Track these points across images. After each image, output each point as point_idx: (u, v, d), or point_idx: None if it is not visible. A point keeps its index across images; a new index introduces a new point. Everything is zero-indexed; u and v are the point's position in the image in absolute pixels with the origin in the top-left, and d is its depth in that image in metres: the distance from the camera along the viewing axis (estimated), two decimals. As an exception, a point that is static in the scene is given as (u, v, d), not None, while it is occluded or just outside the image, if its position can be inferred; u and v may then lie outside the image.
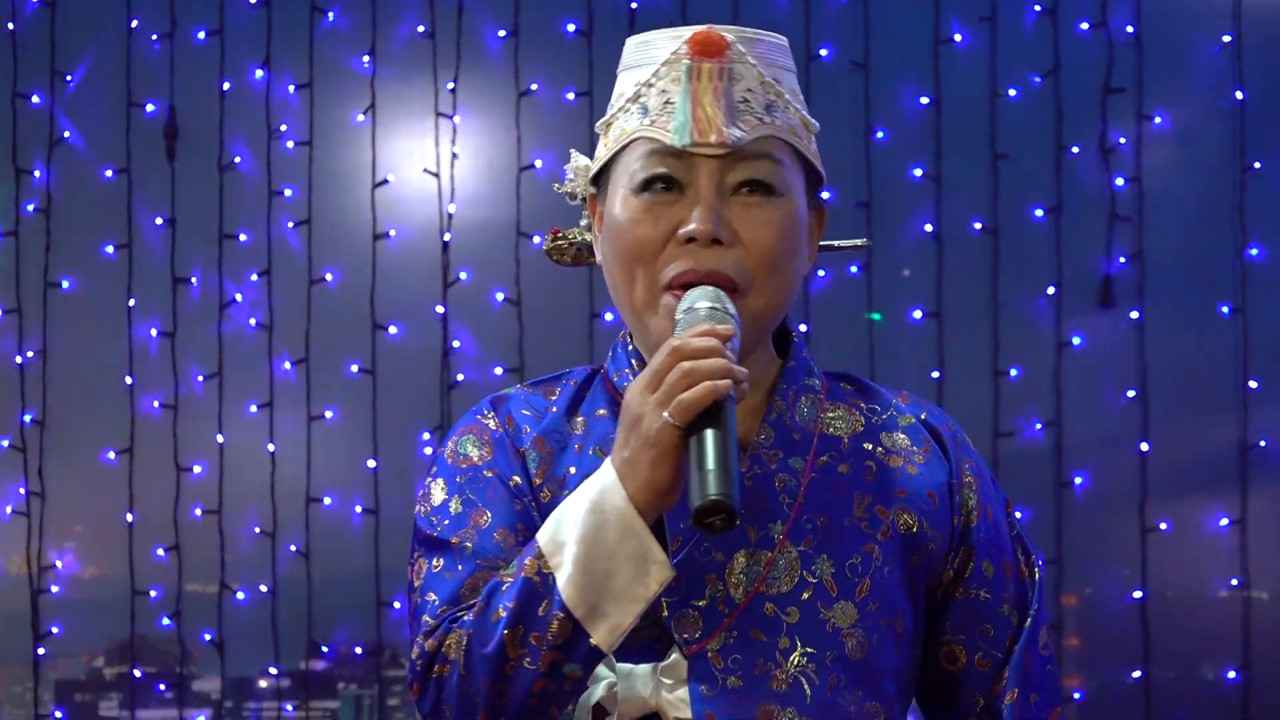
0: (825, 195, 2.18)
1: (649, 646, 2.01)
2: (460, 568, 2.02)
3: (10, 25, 6.28)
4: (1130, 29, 6.06)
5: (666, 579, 1.92)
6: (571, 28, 6.20)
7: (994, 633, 2.14)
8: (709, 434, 1.88)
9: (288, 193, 6.24)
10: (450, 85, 6.20)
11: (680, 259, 2.03)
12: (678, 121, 2.03)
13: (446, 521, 2.07)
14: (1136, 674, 5.94)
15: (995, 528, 2.17)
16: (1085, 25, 6.07)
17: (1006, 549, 2.17)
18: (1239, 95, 6.03)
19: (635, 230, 2.05)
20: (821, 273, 6.00)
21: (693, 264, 2.03)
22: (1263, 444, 5.97)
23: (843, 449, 2.10)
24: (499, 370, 6.11)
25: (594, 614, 1.92)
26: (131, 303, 6.24)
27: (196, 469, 6.21)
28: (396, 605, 6.12)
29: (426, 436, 6.15)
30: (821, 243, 2.21)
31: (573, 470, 2.10)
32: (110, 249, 6.26)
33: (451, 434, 2.16)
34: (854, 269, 6.00)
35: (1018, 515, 2.24)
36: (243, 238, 6.24)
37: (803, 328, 5.92)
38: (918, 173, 6.06)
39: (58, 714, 6.27)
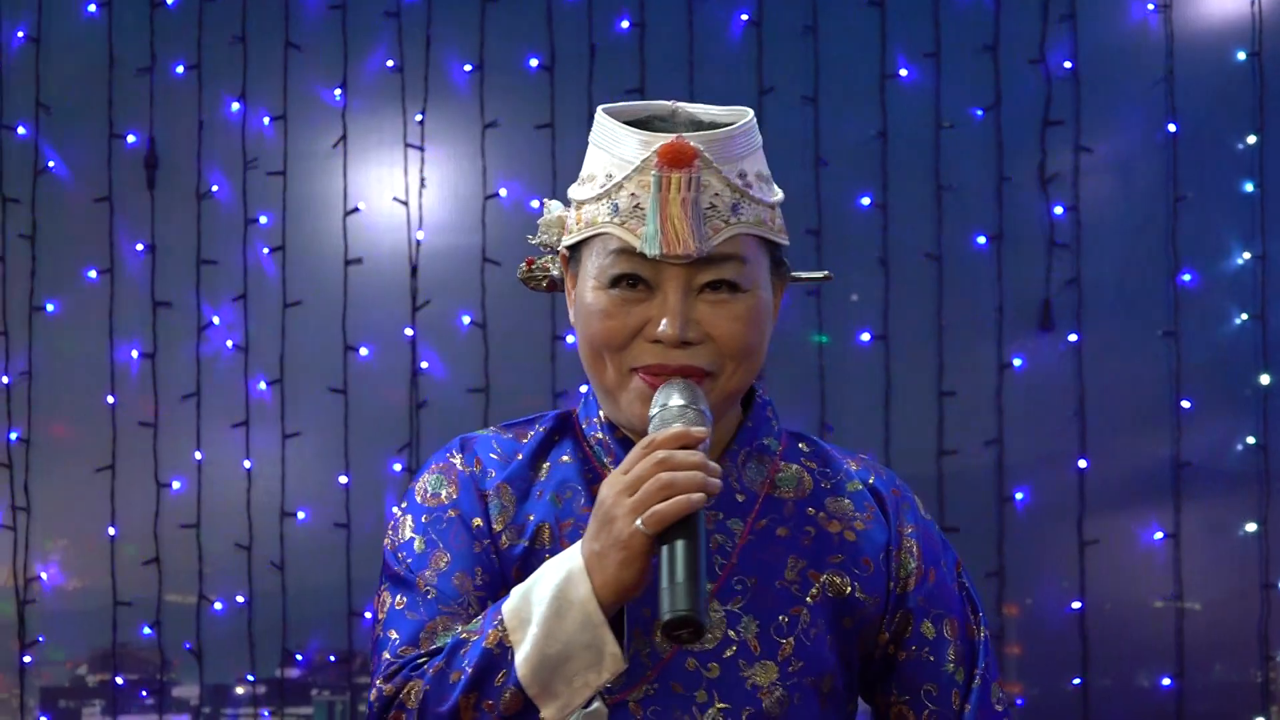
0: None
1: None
2: (421, 610, 2.09)
3: (-4, 60, 6.36)
4: (1068, 65, 6.21)
5: (619, 670, 1.99)
6: (534, 62, 6.33)
7: (938, 692, 2.19)
8: (680, 545, 1.93)
9: (263, 220, 6.35)
10: (418, 117, 6.34)
11: (650, 353, 2.10)
12: (648, 231, 2.08)
13: (410, 560, 2.14)
14: (1076, 681, 6.07)
15: (939, 587, 2.21)
16: (1025, 61, 6.23)
17: (954, 607, 2.21)
18: (1171, 128, 6.19)
19: (605, 322, 2.11)
20: (774, 297, 6.18)
21: (663, 360, 2.09)
22: (1194, 461, 6.12)
23: (785, 513, 2.16)
24: (465, 390, 6.25)
25: (546, 692, 1.99)
26: (113, 325, 6.33)
27: (176, 485, 6.30)
28: (367, 615, 6.19)
29: (396, 453, 6.28)
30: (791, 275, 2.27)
31: (531, 518, 2.17)
32: (93, 274, 6.35)
33: (423, 470, 2.23)
34: (808, 292, 6.17)
35: (964, 577, 2.28)
36: (220, 263, 6.34)
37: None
38: (865, 201, 6.22)
39: None
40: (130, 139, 6.40)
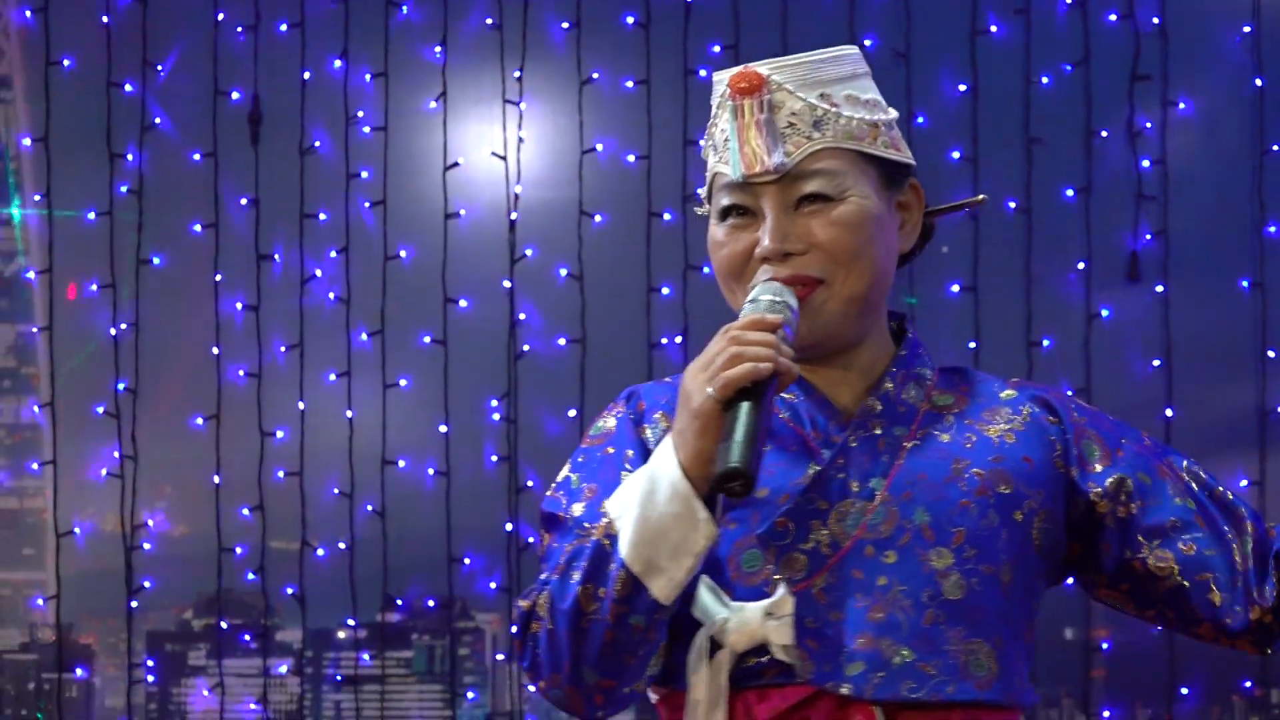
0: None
1: (764, 584, 2.16)
2: (565, 539, 2.17)
3: (105, 18, 6.49)
4: (1156, 20, 6.30)
5: (713, 536, 2.07)
6: (630, 20, 6.44)
7: (1180, 522, 2.24)
8: (742, 408, 2.03)
9: (364, 175, 6.47)
10: (516, 74, 6.45)
11: (764, 273, 2.19)
12: (732, 158, 2.20)
13: (561, 493, 2.23)
14: (1160, 627, 6.21)
15: (1133, 450, 2.27)
16: (1114, 16, 6.31)
17: (1156, 459, 2.28)
18: (1258, 82, 6.28)
19: (721, 253, 2.23)
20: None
21: (773, 275, 2.18)
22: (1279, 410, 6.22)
23: (946, 423, 2.25)
24: (562, 341, 6.35)
25: (651, 569, 2.07)
26: (218, 278, 6.46)
27: (279, 434, 6.43)
28: (466, 561, 6.36)
29: (494, 403, 6.38)
30: (940, 207, 2.35)
31: None
32: (198, 228, 6.47)
33: (593, 421, 2.32)
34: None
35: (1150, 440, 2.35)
36: (322, 217, 6.47)
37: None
38: (956, 155, 6.33)
39: (149, 663, 6.50)
40: (235, 96, 6.53)
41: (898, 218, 2.28)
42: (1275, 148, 6.28)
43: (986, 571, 2.19)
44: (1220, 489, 2.30)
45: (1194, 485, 2.28)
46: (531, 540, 6.33)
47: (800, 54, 2.24)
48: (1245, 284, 6.28)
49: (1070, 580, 2.33)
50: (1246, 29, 6.30)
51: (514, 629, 2.19)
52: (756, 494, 2.10)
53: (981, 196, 2.48)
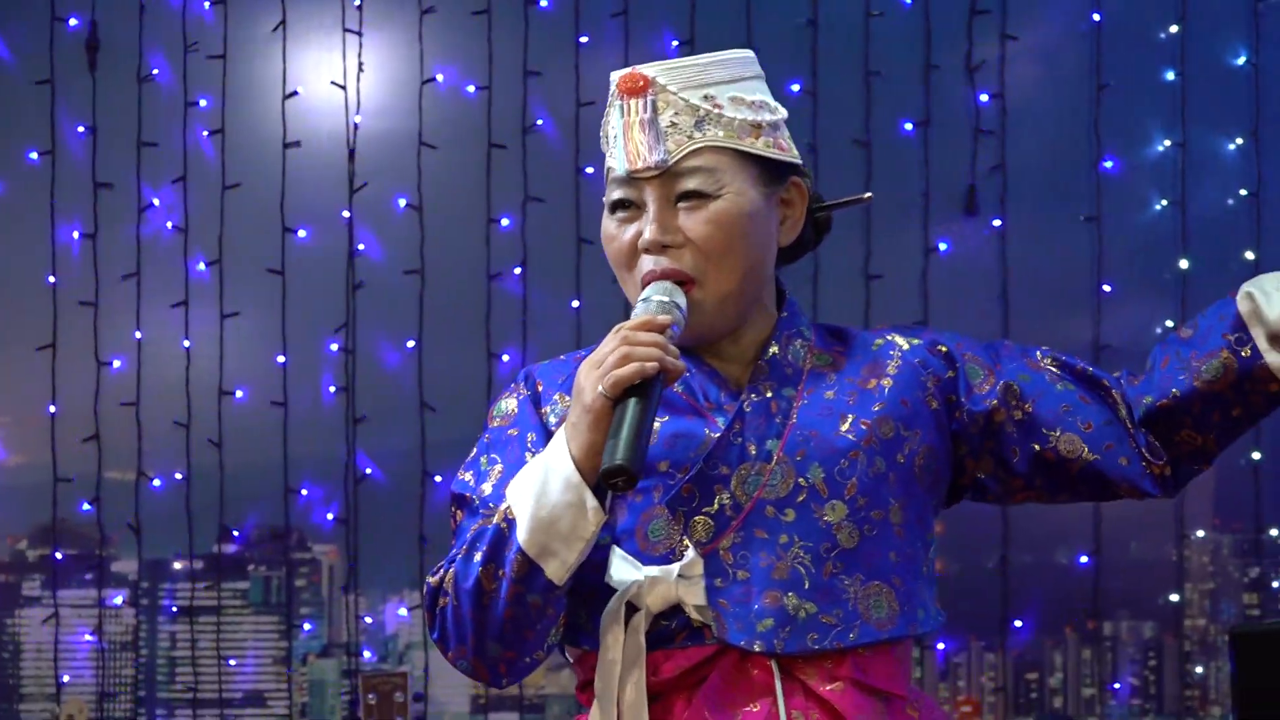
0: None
1: (671, 552, 2.34)
2: (472, 519, 2.37)
3: (-61, -58, 6.44)
4: (995, -47, 6.30)
5: (600, 521, 2.25)
6: (471, -52, 6.40)
7: (1069, 405, 2.43)
8: (630, 405, 2.20)
9: (203, 103, 6.42)
10: (357, 2, 6.41)
11: (646, 263, 2.37)
12: (618, 154, 2.39)
13: (470, 474, 2.42)
14: (997, 558, 6.27)
15: (1007, 356, 2.47)
16: (953, -50, 6.32)
17: (1025, 357, 2.46)
18: (1096, 17, 6.31)
19: (611, 244, 2.42)
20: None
21: (653, 265, 2.37)
22: (1114, 344, 6.23)
23: (828, 380, 2.42)
24: (401, 272, 6.34)
25: (545, 553, 2.25)
26: (54, 206, 6.40)
27: (116, 364, 6.38)
28: (304, 492, 6.34)
29: (332, 333, 6.37)
30: (827, 203, 2.57)
31: None
32: (34, 155, 6.41)
33: (493, 402, 2.50)
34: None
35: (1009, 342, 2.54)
36: (160, 145, 6.42)
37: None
38: (795, 88, 6.33)
39: None
40: (72, 22, 6.46)
41: (778, 213, 2.45)
42: (1112, 83, 6.31)
43: (877, 517, 2.36)
44: (1080, 365, 2.47)
45: (1060, 369, 2.46)
46: (369, 471, 6.36)
47: (689, 57, 2.42)
48: (1082, 217, 6.31)
49: (971, 497, 2.51)
50: (1084, -36, 6.32)
51: (425, 603, 2.36)
52: (658, 466, 2.31)
53: (867, 195, 2.66)
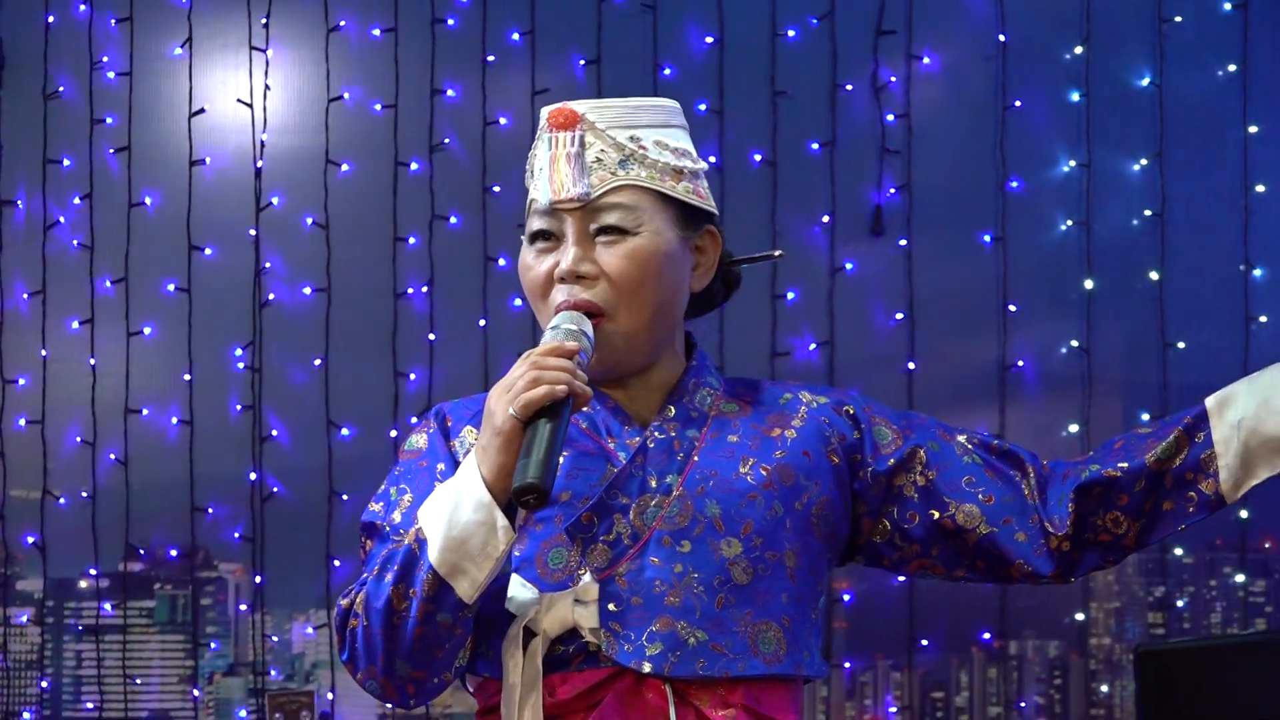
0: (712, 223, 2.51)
1: (569, 579, 2.39)
2: (381, 545, 2.41)
3: None
4: (901, -27, 6.31)
5: (510, 540, 2.29)
6: (379, -35, 6.40)
7: (972, 477, 2.49)
8: (540, 427, 2.26)
9: (109, 121, 6.41)
10: (263, 20, 6.41)
11: (560, 293, 2.43)
12: (542, 184, 2.44)
13: (380, 505, 2.46)
14: (900, 580, 6.25)
15: (918, 424, 2.53)
16: (859, -31, 6.31)
17: (937, 428, 2.53)
18: (1001, 38, 6.32)
19: (528, 274, 2.47)
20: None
21: (566, 295, 2.42)
22: (1020, 364, 6.27)
23: (732, 425, 2.48)
24: (307, 290, 6.33)
25: (455, 571, 2.28)
26: (-41, 223, 6.37)
27: (21, 381, 6.38)
28: (211, 511, 6.32)
29: (239, 351, 6.35)
30: (738, 257, 2.60)
31: None
32: (-61, 172, 6.39)
33: (403, 438, 2.64)
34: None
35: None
36: (66, 163, 6.41)
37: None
38: (702, 108, 6.33)
39: None
40: (-23, 39, 6.46)
41: (691, 259, 2.49)
42: (1017, 104, 6.32)
43: (771, 558, 2.41)
44: (995, 441, 2.53)
45: (972, 444, 2.51)
46: (276, 489, 6.34)
47: (619, 99, 2.46)
48: (987, 239, 6.31)
49: (865, 561, 2.56)
50: (990, -16, 6.33)
51: (335, 624, 2.42)
52: (559, 497, 2.36)
53: (778, 252, 2.72)
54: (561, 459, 2.34)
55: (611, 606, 2.37)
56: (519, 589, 2.39)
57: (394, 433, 6.26)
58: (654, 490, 2.41)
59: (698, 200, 2.48)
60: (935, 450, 2.49)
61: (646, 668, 2.35)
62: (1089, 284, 6.29)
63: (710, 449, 2.45)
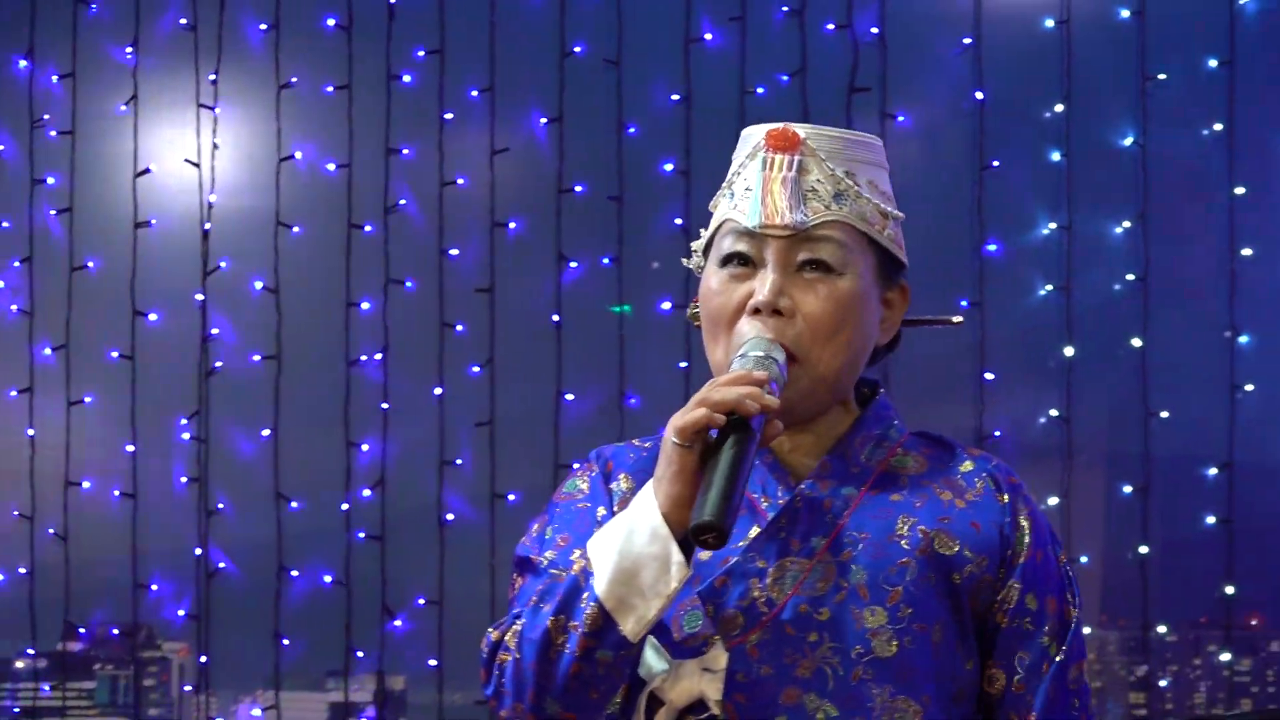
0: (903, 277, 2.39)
1: (704, 644, 2.24)
2: (537, 580, 2.28)
3: None
4: (875, 30, 6.21)
5: (685, 577, 2.15)
6: (331, 22, 6.32)
7: (1029, 660, 2.31)
8: (722, 460, 2.12)
9: (50, 181, 6.34)
10: (211, 77, 6.32)
11: (750, 328, 2.26)
12: (751, 206, 2.27)
13: (535, 543, 2.33)
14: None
15: (1045, 566, 2.35)
16: (831, 26, 6.22)
17: (1054, 587, 2.35)
18: (978, 96, 6.21)
19: (716, 299, 2.29)
20: (574, 264, 6.16)
21: (757, 333, 2.25)
22: (997, 433, 6.14)
23: (900, 484, 2.33)
24: (256, 357, 6.22)
25: (623, 606, 2.16)
26: (-107, 288, 6.28)
27: (-43, 453, 6.28)
28: (154, 588, 6.22)
29: (184, 421, 6.25)
30: (913, 318, 2.49)
31: None
32: (-128, 235, 6.30)
33: (561, 482, 2.43)
34: (605, 260, 6.14)
35: (1067, 562, 2.43)
36: (5, 225, 6.34)
37: (555, 318, 6.07)
38: (668, 167, 6.20)
39: None
40: (-85, 95, 6.38)
41: (881, 311, 2.38)
42: (995, 163, 6.20)
43: (919, 630, 2.27)
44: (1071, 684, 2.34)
45: (1052, 647, 2.33)
46: (222, 565, 6.26)
47: (837, 128, 2.34)
48: (964, 304, 6.18)
49: None
50: (967, 41, 6.24)
51: (482, 658, 2.28)
52: (699, 557, 2.21)
53: (958, 318, 2.59)
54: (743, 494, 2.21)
55: (739, 677, 2.24)
56: (650, 652, 2.26)
57: (345, 505, 6.15)
58: (795, 554, 2.27)
59: (898, 250, 2.39)
60: (1031, 608, 2.32)
61: None
62: (1069, 351, 6.17)
63: (866, 507, 2.30)
